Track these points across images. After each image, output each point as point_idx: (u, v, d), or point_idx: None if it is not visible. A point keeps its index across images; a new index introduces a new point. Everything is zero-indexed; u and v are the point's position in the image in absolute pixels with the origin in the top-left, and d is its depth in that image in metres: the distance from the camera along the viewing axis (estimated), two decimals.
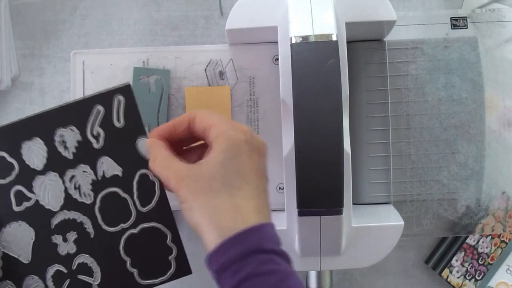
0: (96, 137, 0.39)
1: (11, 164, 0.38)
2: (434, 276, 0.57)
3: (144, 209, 0.39)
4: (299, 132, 0.37)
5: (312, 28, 0.38)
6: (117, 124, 0.39)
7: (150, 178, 0.39)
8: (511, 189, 0.50)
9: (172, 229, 0.40)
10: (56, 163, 0.39)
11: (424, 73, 0.49)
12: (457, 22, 0.51)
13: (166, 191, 0.39)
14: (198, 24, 0.58)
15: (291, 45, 0.38)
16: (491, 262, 0.55)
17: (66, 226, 0.39)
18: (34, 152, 0.38)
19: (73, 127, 0.39)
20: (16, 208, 0.39)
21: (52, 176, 0.39)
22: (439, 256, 0.56)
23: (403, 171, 0.49)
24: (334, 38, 0.38)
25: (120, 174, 0.39)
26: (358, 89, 0.48)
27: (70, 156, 0.39)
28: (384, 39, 0.49)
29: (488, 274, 0.55)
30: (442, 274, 0.55)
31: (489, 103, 0.50)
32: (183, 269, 0.40)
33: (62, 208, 0.39)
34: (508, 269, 0.55)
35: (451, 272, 0.55)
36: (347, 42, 0.43)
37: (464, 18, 0.51)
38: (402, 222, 0.44)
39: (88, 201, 0.39)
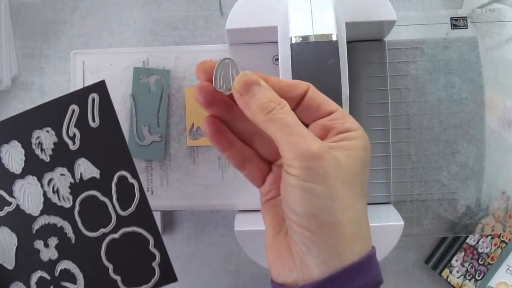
0: (72, 138, 0.38)
1: None
2: (434, 276, 0.57)
3: (124, 213, 0.38)
4: None
5: (312, 28, 0.38)
6: (92, 124, 0.38)
7: (129, 180, 0.38)
8: (511, 189, 0.50)
9: (154, 234, 0.38)
10: (34, 166, 0.38)
11: (424, 73, 0.49)
12: (457, 22, 0.51)
13: (147, 195, 0.38)
14: (198, 24, 0.58)
15: (291, 45, 0.38)
16: (491, 262, 0.55)
17: (47, 231, 0.38)
18: (12, 156, 0.38)
19: (48, 128, 0.38)
20: None
21: (31, 179, 0.38)
22: (439, 256, 0.56)
23: (403, 171, 0.49)
24: (334, 38, 0.38)
25: (97, 176, 0.38)
26: (358, 89, 0.48)
27: (47, 159, 0.38)
28: (384, 39, 0.49)
29: (488, 274, 0.55)
30: (442, 274, 0.55)
31: (489, 103, 0.50)
32: (168, 276, 0.39)
33: (42, 212, 0.38)
34: (508, 269, 0.55)
35: (451, 272, 0.55)
36: (347, 42, 0.43)
37: (464, 18, 0.51)
38: (402, 222, 0.44)
39: (67, 205, 0.38)
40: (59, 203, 0.38)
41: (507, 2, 0.52)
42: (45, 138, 0.38)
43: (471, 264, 0.55)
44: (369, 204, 0.49)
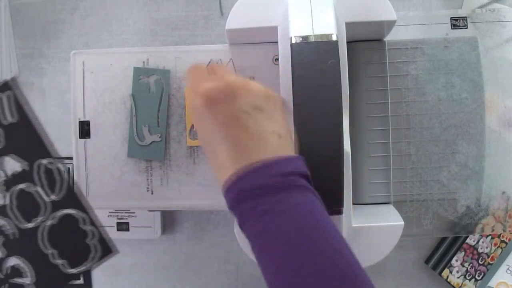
0: None
1: None
2: (434, 276, 0.57)
3: (56, 198, 0.40)
4: (299, 132, 0.37)
5: (312, 28, 0.38)
6: (11, 119, 0.39)
7: (54, 165, 0.40)
8: (511, 189, 0.50)
9: (86, 212, 0.41)
10: None
11: (424, 73, 0.49)
12: (457, 22, 0.51)
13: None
14: (198, 24, 0.58)
15: (291, 45, 0.38)
16: (491, 262, 0.55)
17: None
18: None
19: None
20: None
21: None
22: (439, 256, 0.56)
23: (403, 171, 0.49)
24: (334, 38, 0.38)
25: (26, 168, 0.39)
26: (358, 89, 0.48)
27: None
28: (384, 39, 0.49)
29: (488, 274, 0.55)
30: (442, 274, 0.55)
31: (489, 103, 0.50)
32: (105, 250, 0.42)
33: None
34: (508, 269, 0.55)
35: (451, 272, 0.55)
36: (347, 42, 0.43)
37: (464, 18, 0.51)
38: (402, 222, 0.44)
39: (3, 202, 0.39)
40: None
41: (507, 2, 0.52)
42: None
43: (471, 264, 0.55)
44: (369, 204, 0.49)
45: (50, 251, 0.39)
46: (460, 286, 0.55)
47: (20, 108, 0.39)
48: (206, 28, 0.57)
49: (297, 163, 0.34)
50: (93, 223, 0.40)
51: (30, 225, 0.39)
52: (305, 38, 0.38)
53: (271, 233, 0.30)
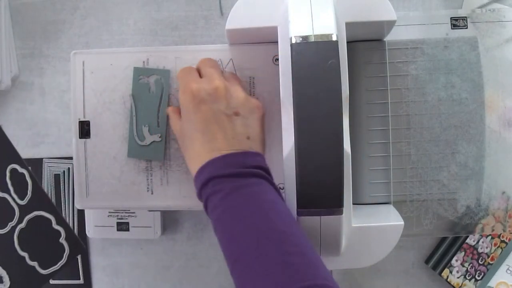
0: None
1: None
2: (434, 276, 0.57)
3: (24, 202, 0.40)
4: (299, 132, 0.37)
5: (312, 28, 0.38)
6: None
7: (19, 170, 0.40)
8: (511, 189, 0.50)
9: (53, 212, 0.41)
10: None
11: (424, 73, 0.49)
12: (457, 22, 0.51)
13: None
14: (198, 24, 0.58)
15: (291, 45, 0.38)
16: (491, 262, 0.55)
17: None
18: None
19: None
20: None
21: None
22: (439, 256, 0.56)
23: (403, 171, 0.49)
24: (334, 38, 0.38)
25: None
26: (358, 89, 0.48)
27: None
28: (384, 39, 0.49)
29: (488, 274, 0.55)
30: (442, 274, 0.55)
31: (489, 103, 0.50)
32: (77, 248, 0.42)
33: None
34: (508, 269, 0.55)
35: (451, 272, 0.55)
36: (347, 42, 0.43)
37: (464, 18, 0.51)
38: (402, 222, 0.44)
39: None
40: None
41: (507, 2, 0.52)
42: None
43: (471, 264, 0.55)
44: (369, 204, 0.49)
45: (25, 253, 0.40)
46: (460, 286, 0.55)
47: None
48: (206, 28, 0.57)
49: (258, 158, 0.40)
50: (62, 223, 0.41)
51: (2, 231, 0.40)
52: (305, 38, 0.38)
53: (230, 210, 0.37)
